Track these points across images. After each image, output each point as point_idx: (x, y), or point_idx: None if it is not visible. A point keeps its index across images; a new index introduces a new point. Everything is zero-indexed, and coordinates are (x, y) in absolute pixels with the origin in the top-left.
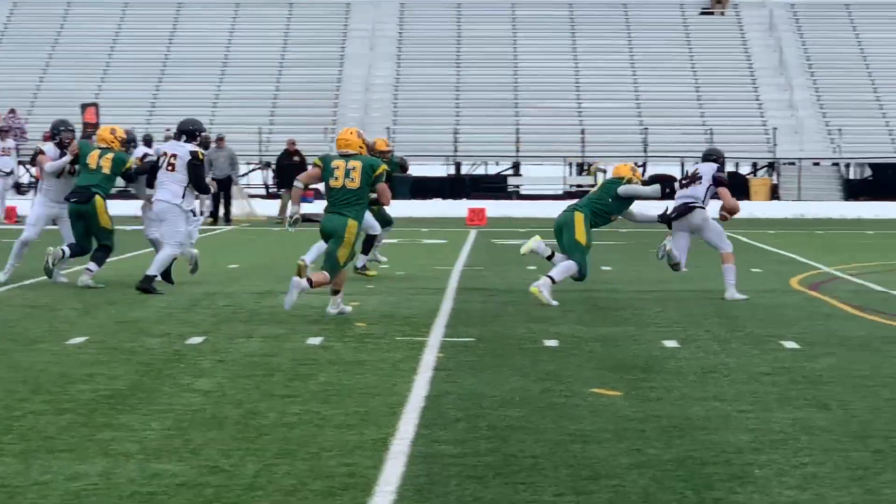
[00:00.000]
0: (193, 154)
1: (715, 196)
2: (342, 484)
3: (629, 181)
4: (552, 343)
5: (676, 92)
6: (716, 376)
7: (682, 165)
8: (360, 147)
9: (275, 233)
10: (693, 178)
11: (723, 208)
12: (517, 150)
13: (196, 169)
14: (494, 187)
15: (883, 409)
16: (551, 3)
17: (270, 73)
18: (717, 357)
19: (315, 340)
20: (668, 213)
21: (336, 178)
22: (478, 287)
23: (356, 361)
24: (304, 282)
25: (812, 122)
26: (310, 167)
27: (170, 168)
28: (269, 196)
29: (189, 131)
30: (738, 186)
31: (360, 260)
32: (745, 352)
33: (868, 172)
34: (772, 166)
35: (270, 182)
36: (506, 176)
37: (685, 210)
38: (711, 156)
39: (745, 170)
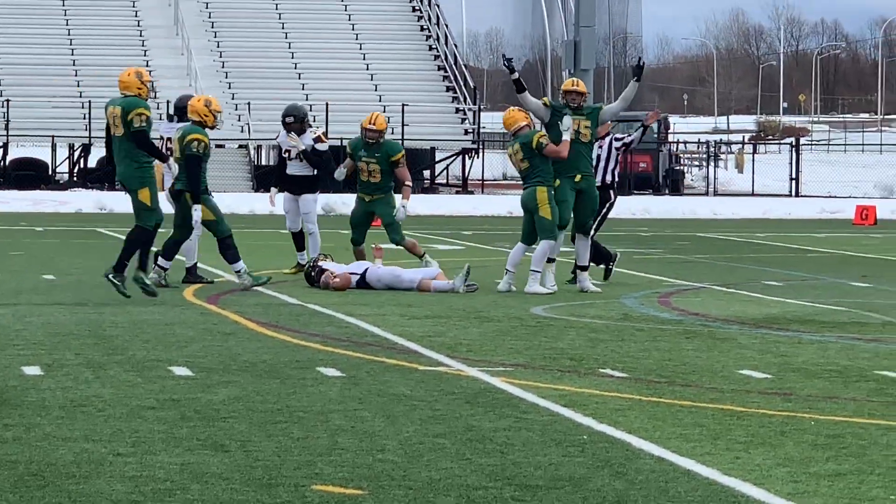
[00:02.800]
0: None
1: None
2: None
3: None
4: None
5: (46, 55)
6: (88, 411)
7: (54, 147)
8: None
9: None
10: None
11: None
12: None
13: None
14: None
15: (293, 450)
16: None
17: None
18: (89, 387)
19: None
20: None
21: None
22: None
23: None
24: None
25: (214, 94)
26: None
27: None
28: None
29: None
30: None
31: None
32: (126, 380)
33: None
34: None
35: None
36: None
37: None
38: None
39: None
